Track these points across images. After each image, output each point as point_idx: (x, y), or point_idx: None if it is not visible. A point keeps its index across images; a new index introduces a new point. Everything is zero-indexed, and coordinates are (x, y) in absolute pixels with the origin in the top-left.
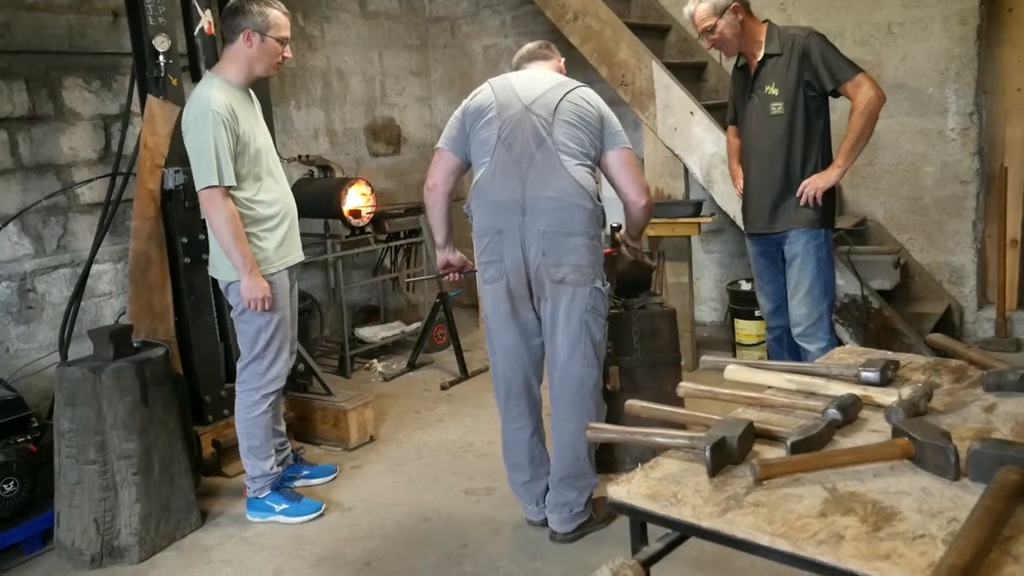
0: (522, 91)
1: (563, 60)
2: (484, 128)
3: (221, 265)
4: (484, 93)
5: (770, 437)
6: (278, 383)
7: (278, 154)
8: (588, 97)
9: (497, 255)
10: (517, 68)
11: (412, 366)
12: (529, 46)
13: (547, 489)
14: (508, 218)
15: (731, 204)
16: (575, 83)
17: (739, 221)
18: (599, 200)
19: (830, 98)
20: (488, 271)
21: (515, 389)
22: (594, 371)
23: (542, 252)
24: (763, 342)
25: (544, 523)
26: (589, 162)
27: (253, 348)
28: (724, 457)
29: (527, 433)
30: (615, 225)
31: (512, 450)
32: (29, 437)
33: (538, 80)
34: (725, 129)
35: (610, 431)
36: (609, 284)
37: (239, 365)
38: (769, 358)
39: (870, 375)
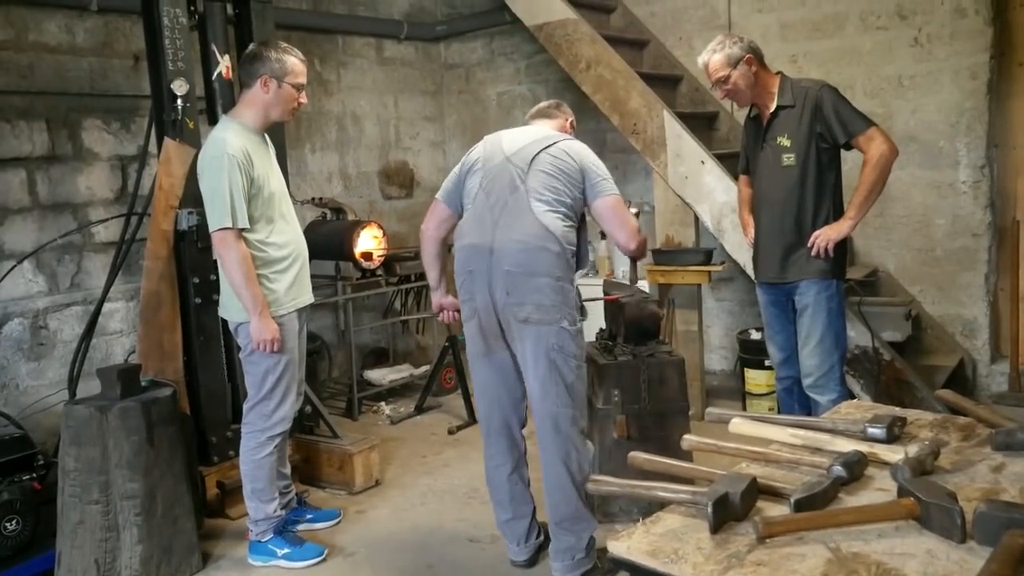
0: (507, 145)
1: (571, 119)
2: (470, 178)
3: (231, 306)
4: (478, 148)
5: (774, 493)
6: (284, 425)
7: (291, 197)
8: (570, 150)
9: (469, 294)
10: (526, 123)
11: (420, 409)
12: (540, 104)
13: (530, 529)
14: (478, 259)
15: (742, 253)
16: (561, 137)
17: (749, 270)
18: (570, 244)
19: (842, 150)
20: (464, 310)
21: (493, 428)
22: (569, 410)
23: (506, 291)
24: (773, 392)
25: (526, 564)
26: (564, 210)
27: (260, 389)
28: (726, 513)
29: (505, 472)
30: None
31: (494, 487)
32: (34, 475)
33: (526, 135)
34: (736, 178)
35: (612, 484)
36: (581, 324)
37: (246, 406)
38: (779, 408)
39: (876, 431)
